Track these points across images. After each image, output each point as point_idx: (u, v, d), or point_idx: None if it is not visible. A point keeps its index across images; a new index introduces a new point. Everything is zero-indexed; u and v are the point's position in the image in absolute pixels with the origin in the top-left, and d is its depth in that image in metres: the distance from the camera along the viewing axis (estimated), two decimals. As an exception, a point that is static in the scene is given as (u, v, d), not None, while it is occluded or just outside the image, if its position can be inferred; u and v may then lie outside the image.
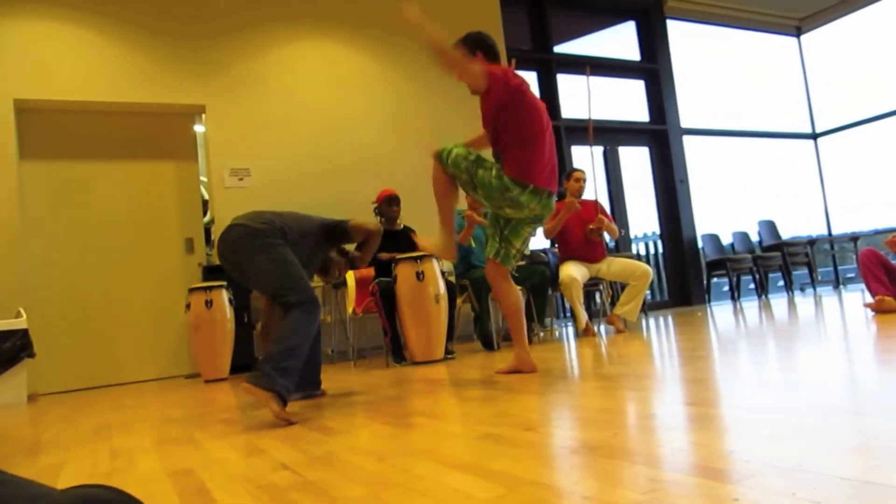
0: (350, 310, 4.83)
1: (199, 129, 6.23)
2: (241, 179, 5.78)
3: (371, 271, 4.80)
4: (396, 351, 4.42)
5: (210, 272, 5.38)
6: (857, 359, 2.26)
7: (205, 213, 6.33)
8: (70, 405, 4.12)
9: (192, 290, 4.83)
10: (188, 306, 4.82)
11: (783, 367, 2.27)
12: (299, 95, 6.19)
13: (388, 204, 4.84)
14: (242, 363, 5.14)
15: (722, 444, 1.31)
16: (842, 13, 9.61)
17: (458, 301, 4.73)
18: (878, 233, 9.38)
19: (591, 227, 4.97)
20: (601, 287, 5.61)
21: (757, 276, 8.24)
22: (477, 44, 3.08)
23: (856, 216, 9.89)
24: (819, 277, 9.07)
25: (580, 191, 5.03)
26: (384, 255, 4.66)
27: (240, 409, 2.88)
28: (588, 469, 1.25)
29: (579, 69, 7.89)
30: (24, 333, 4.80)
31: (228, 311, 4.86)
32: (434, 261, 4.31)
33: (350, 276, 4.93)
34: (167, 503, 1.38)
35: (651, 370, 2.60)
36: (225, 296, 4.86)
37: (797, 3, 9.49)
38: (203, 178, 6.35)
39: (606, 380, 2.45)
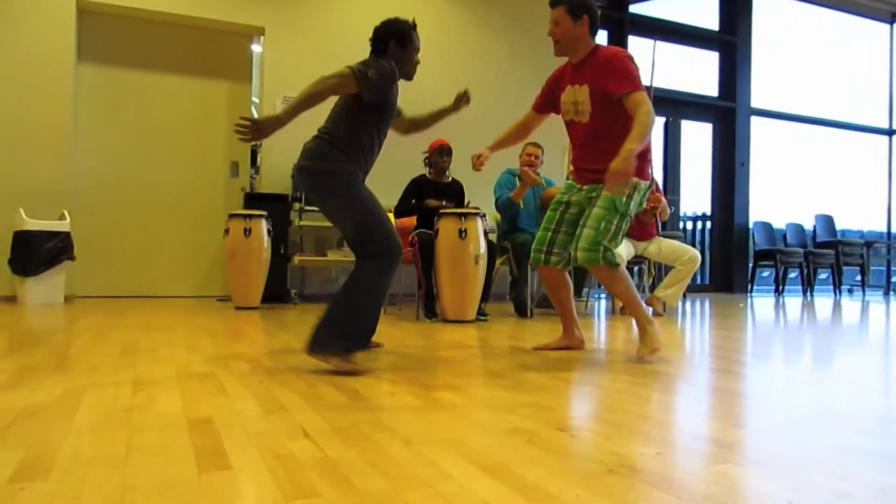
0: (386, 256, 4.75)
1: (256, 48, 6.11)
2: (292, 108, 5.65)
3: (412, 220, 4.70)
4: (429, 305, 4.36)
5: (252, 199, 5.34)
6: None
7: (253, 136, 6.25)
8: (103, 313, 4.17)
9: (231, 216, 4.80)
10: (227, 231, 4.80)
11: (846, 393, 2.13)
12: (364, 32, 5.96)
13: (438, 154, 4.68)
14: (275, 293, 5.15)
15: (779, 489, 1.20)
16: (945, 4, 8.95)
17: (497, 262, 4.62)
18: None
19: (646, 206, 4.65)
20: (644, 265, 5.44)
21: (805, 272, 7.95)
22: (583, 8, 2.77)
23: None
24: (868, 281, 8.73)
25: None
26: (432, 202, 4.53)
27: (268, 351, 2.85)
28: (628, 497, 1.16)
29: (653, 33, 7.52)
30: (66, 236, 4.85)
31: (266, 241, 4.83)
32: (478, 219, 4.18)
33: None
34: (183, 459, 1.33)
35: (690, 372, 2.48)
36: (264, 225, 4.82)
37: (898, -13, 8.85)
38: (255, 99, 6.26)
39: (643, 376, 2.34)
